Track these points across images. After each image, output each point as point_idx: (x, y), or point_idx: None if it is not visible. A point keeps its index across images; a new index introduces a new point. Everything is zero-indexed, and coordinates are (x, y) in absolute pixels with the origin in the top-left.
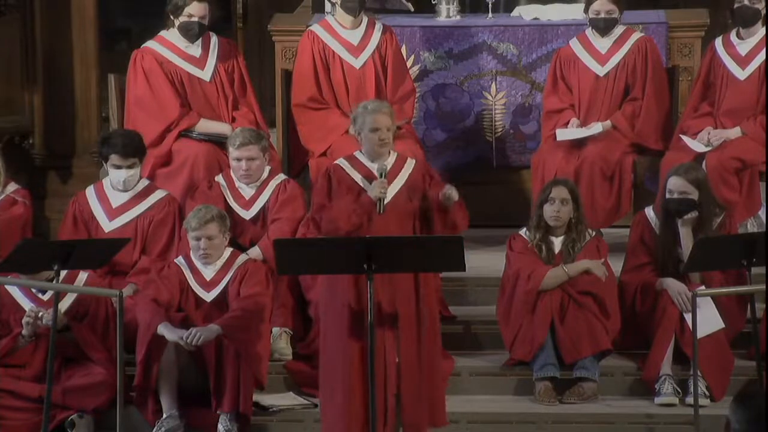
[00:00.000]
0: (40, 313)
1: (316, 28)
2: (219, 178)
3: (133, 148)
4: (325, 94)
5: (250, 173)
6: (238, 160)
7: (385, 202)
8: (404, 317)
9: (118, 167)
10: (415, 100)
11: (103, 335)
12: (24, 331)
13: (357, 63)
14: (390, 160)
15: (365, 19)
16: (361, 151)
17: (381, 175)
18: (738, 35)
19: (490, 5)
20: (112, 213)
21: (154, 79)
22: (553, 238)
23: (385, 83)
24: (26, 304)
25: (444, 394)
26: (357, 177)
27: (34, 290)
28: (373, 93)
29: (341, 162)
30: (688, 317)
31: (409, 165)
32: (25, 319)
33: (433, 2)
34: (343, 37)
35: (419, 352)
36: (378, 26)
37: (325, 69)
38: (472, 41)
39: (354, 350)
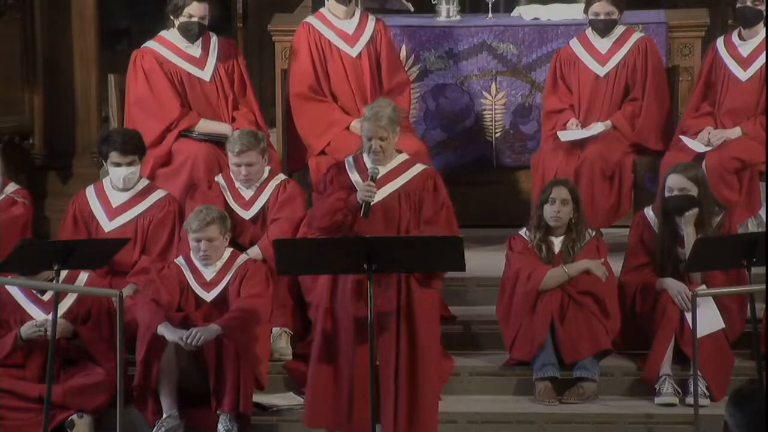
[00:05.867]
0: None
1: (311, 19)
2: (219, 179)
3: (132, 146)
4: (323, 86)
5: (250, 177)
6: (238, 165)
7: (373, 203)
8: (384, 320)
9: (118, 164)
10: (411, 92)
11: (109, 340)
12: (23, 334)
13: (353, 52)
14: (393, 163)
15: (358, 10)
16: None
17: (371, 178)
18: (740, 36)
19: (490, 5)
20: (112, 213)
21: (154, 79)
22: (553, 238)
23: (380, 73)
24: (26, 304)
25: (436, 404)
26: (354, 177)
27: (34, 290)
28: (369, 82)
29: (347, 159)
30: (688, 317)
31: (413, 171)
32: (32, 330)
33: (433, 2)
34: (338, 27)
35: (399, 356)
36: (371, 17)
37: (321, 60)
38: (472, 41)
39: (340, 348)
